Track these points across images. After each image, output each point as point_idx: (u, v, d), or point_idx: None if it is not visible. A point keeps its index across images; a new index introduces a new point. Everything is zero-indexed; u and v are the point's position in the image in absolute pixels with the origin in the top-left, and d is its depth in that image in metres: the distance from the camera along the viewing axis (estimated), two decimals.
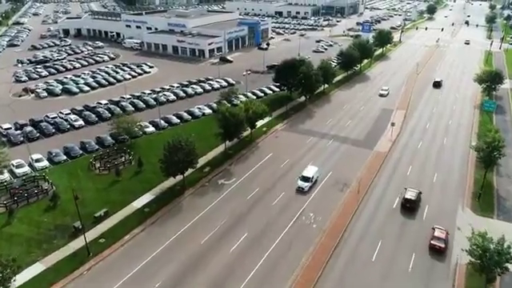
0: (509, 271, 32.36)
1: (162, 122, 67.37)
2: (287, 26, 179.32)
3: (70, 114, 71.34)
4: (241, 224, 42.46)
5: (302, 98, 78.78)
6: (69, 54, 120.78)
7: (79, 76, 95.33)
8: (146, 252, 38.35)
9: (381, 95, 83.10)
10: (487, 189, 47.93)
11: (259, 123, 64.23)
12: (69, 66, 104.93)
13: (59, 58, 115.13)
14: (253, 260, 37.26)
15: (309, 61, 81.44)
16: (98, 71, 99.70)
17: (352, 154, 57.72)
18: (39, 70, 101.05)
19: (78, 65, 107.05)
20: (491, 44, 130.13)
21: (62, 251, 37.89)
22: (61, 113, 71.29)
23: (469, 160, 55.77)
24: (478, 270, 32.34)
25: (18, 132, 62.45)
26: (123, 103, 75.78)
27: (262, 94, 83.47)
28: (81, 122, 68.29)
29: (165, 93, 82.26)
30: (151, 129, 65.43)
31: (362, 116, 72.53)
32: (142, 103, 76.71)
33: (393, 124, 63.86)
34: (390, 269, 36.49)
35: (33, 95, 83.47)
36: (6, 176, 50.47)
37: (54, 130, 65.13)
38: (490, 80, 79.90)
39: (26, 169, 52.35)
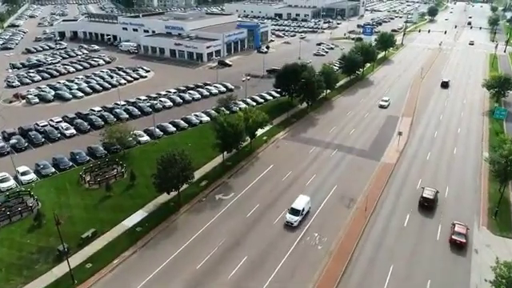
0: None
1: (157, 130, 64.16)
2: (287, 28, 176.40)
3: (61, 121, 68.21)
4: (240, 245, 39.26)
5: (304, 105, 75.69)
6: (63, 58, 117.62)
7: (73, 81, 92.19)
8: (136, 278, 35.08)
9: (381, 106, 77.08)
10: (504, 205, 44.82)
11: (259, 132, 61.17)
12: (63, 71, 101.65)
13: (53, 61, 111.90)
14: None
15: (311, 66, 78.30)
16: (92, 76, 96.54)
17: (358, 166, 54.57)
18: (32, 74, 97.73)
19: (72, 69, 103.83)
20: (496, 47, 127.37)
21: (43, 279, 34.59)
22: (51, 120, 68.12)
23: (481, 172, 52.68)
24: None
25: (2, 144, 58.86)
26: (117, 110, 72.58)
27: (262, 100, 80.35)
28: (72, 131, 65.02)
29: (161, 99, 79.09)
30: (146, 138, 62.21)
31: (367, 124, 69.44)
32: (136, 110, 73.50)
33: (400, 133, 60.75)
34: None
35: (24, 101, 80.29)
36: None
37: (43, 140, 61.88)
38: (499, 86, 76.94)
39: (11, 183, 49.10)
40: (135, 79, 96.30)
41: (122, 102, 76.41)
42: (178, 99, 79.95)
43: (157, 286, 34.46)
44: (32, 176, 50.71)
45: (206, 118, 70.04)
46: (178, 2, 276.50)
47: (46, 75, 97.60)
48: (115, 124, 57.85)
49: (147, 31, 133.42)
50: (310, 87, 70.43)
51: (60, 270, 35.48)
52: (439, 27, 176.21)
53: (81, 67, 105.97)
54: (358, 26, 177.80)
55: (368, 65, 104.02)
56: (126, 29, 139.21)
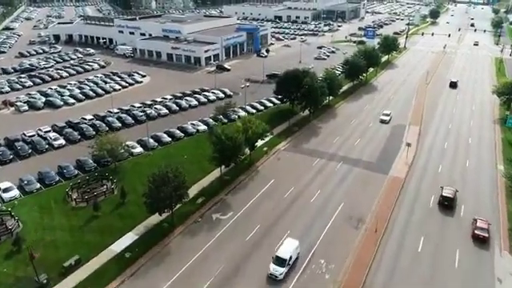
0: None
1: (151, 141, 60.56)
2: (287, 31, 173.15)
3: (50, 131, 64.56)
4: (239, 274, 35.64)
5: (306, 112, 72.16)
6: (57, 62, 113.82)
7: (65, 87, 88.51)
8: None
9: (382, 122, 69.86)
10: None
11: (259, 142, 57.53)
12: (55, 76, 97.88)
13: (46, 66, 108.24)
14: None
15: (313, 71, 74.87)
16: (85, 81, 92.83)
17: (365, 180, 51.01)
18: (23, 79, 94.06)
19: (65, 74, 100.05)
20: (502, 50, 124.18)
21: None
22: (40, 130, 64.45)
23: (498, 187, 49.23)
24: None
25: None
26: (110, 119, 68.95)
27: (262, 108, 76.76)
28: (61, 141, 61.31)
29: (156, 106, 75.52)
30: (139, 149, 58.56)
31: (373, 133, 65.92)
32: (130, 118, 69.94)
33: (408, 144, 57.22)
34: None
35: (12, 109, 76.64)
36: None
37: (30, 151, 58.27)
38: (510, 93, 73.57)
39: None
40: (130, 85, 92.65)
41: (115, 110, 72.79)
42: (174, 106, 76.37)
43: None
44: (15, 193, 47.03)
45: (203, 127, 66.45)
46: (177, 4, 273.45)
47: (37, 80, 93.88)
48: (105, 135, 54.15)
49: (144, 34, 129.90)
50: (312, 94, 66.93)
51: None
52: (441, 30, 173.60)
53: (74, 72, 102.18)
54: (360, 29, 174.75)
55: (371, 69, 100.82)
56: (122, 32, 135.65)
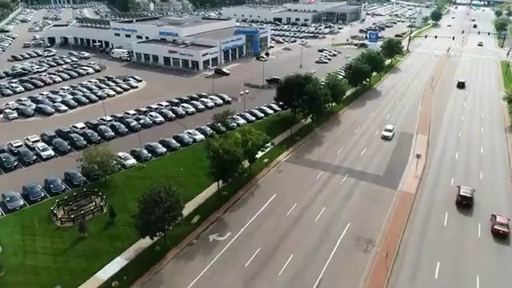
0: None
1: (145, 151, 57.23)
2: (287, 33, 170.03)
3: (38, 141, 61.14)
4: None
5: (308, 120, 68.83)
6: (51, 66, 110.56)
7: (57, 92, 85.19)
8: None
9: (384, 138, 63.80)
10: None
11: (259, 153, 54.29)
12: (48, 80, 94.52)
13: (39, 70, 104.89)
14: None
15: (315, 77, 71.61)
16: (79, 86, 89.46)
17: (372, 196, 47.64)
18: (14, 84, 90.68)
19: (58, 78, 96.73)
20: (508, 54, 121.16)
21: None
22: (27, 140, 61.09)
23: None
24: None
25: None
26: (102, 127, 65.60)
27: (262, 115, 73.33)
28: (50, 152, 57.85)
29: (151, 113, 72.18)
30: (132, 161, 55.11)
31: (379, 143, 62.51)
32: (123, 127, 66.56)
33: (418, 156, 53.82)
34: None
35: (1, 116, 73.24)
36: None
37: (16, 163, 54.81)
38: None
39: None
40: (125, 90, 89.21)
41: (108, 118, 69.41)
42: (170, 113, 72.99)
43: None
44: None
45: (200, 136, 63.08)
46: (175, 6, 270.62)
47: (29, 85, 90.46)
48: (95, 147, 50.70)
49: (140, 37, 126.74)
50: (315, 102, 63.63)
51: None
52: (443, 32, 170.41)
53: (68, 76, 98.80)
54: (361, 31, 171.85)
55: (374, 73, 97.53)
56: (118, 34, 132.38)
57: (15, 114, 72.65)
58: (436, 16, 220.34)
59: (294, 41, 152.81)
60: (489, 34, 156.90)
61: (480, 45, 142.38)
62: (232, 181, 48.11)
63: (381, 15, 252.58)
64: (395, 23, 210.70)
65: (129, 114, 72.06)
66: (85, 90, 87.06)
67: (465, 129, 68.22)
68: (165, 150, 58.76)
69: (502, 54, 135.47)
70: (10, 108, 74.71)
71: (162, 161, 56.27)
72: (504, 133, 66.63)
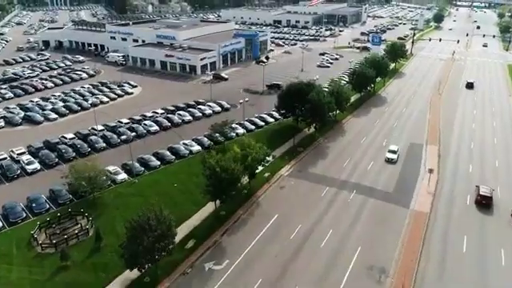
0: None
1: (137, 165, 53.43)
2: (287, 36, 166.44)
3: (24, 153, 57.27)
4: None
5: (311, 129, 65.08)
6: (43, 71, 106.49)
7: (48, 99, 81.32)
8: None
9: (389, 160, 56.11)
10: None
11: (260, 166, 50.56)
12: (39, 86, 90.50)
13: (31, 75, 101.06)
14: None
15: (319, 85, 67.92)
16: (71, 92, 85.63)
17: (383, 216, 43.85)
18: (3, 90, 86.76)
19: (50, 84, 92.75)
20: None
21: None
22: (12, 152, 57.18)
23: None
24: None
25: None
26: (93, 138, 61.79)
27: (263, 123, 69.61)
28: (35, 166, 53.88)
29: (145, 122, 68.39)
30: (123, 176, 51.21)
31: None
32: (115, 137, 62.72)
33: (430, 171, 50.07)
34: None
35: None
36: None
37: None
38: None
39: None
40: (119, 96, 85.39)
41: (100, 127, 65.58)
42: (166, 122, 69.17)
43: None
44: None
45: (196, 148, 59.29)
46: (174, 8, 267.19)
47: (19, 92, 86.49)
48: (82, 161, 46.85)
49: (137, 41, 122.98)
50: (318, 110, 59.93)
51: None
52: (446, 34, 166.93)
53: (60, 82, 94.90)
54: (362, 34, 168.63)
55: (378, 79, 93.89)
56: (114, 38, 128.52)
57: (2, 123, 68.83)
58: (438, 18, 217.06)
59: (295, 44, 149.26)
60: (494, 36, 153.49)
61: (485, 46, 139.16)
62: (230, 199, 44.31)
63: (382, 17, 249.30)
64: (397, 25, 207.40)
65: (122, 122, 68.30)
66: (77, 96, 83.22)
67: (477, 139, 64.45)
68: (158, 163, 54.86)
69: (508, 57, 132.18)
70: None
71: (155, 175, 52.42)
72: None
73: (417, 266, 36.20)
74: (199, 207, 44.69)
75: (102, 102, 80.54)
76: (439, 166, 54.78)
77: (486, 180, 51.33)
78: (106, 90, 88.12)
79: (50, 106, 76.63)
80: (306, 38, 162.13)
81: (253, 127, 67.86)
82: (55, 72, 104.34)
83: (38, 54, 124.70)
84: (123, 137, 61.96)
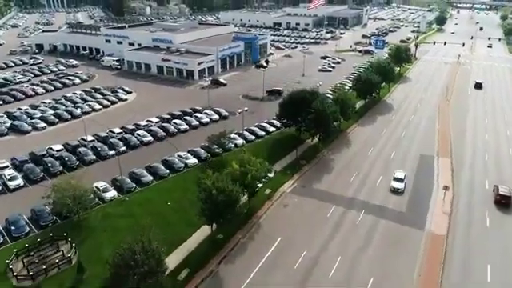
0: None
1: (129, 181, 49.52)
2: (287, 39, 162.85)
3: (7, 167, 53.31)
4: None
5: (315, 139, 61.24)
6: (35, 75, 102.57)
7: (37, 106, 77.38)
8: None
9: (394, 190, 48.20)
10: None
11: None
12: (29, 92, 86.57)
13: (22, 80, 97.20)
14: None
15: (323, 94, 64.17)
16: (62, 99, 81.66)
17: (396, 240, 39.99)
18: None
19: (41, 90, 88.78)
20: None
21: None
22: None
23: None
24: None
25: None
26: (82, 149, 57.88)
27: (263, 133, 65.72)
28: (19, 181, 49.79)
29: (139, 132, 64.50)
30: (112, 193, 47.23)
31: (396, 167, 54.46)
32: (106, 149, 58.82)
33: (446, 188, 46.22)
34: None
35: None
36: None
37: None
38: None
39: None
40: (113, 103, 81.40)
41: (90, 138, 61.65)
42: (161, 132, 65.33)
43: None
44: None
45: (192, 161, 55.35)
46: (172, 10, 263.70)
47: (8, 98, 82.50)
48: (66, 178, 42.92)
49: (133, 44, 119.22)
50: (323, 121, 56.11)
51: None
52: (449, 37, 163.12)
53: (52, 88, 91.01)
54: (364, 37, 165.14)
55: (383, 84, 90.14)
56: (109, 41, 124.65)
57: None
58: (440, 20, 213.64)
59: (295, 47, 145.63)
60: (500, 39, 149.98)
61: (489, 46, 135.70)
62: (228, 222, 40.25)
63: (383, 19, 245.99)
64: (398, 28, 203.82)
65: (114, 132, 64.37)
66: (68, 103, 79.25)
67: (491, 150, 60.60)
68: (151, 178, 50.90)
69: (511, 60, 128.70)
70: None
71: (147, 192, 48.48)
72: None
73: None
74: (194, 229, 40.77)
75: (93, 110, 76.63)
76: (453, 181, 50.86)
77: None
78: (98, 96, 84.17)
79: (38, 114, 72.68)
80: (307, 40, 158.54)
81: (252, 137, 63.97)
82: (47, 77, 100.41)
83: (31, 58, 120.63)
84: (111, 152, 57.22)
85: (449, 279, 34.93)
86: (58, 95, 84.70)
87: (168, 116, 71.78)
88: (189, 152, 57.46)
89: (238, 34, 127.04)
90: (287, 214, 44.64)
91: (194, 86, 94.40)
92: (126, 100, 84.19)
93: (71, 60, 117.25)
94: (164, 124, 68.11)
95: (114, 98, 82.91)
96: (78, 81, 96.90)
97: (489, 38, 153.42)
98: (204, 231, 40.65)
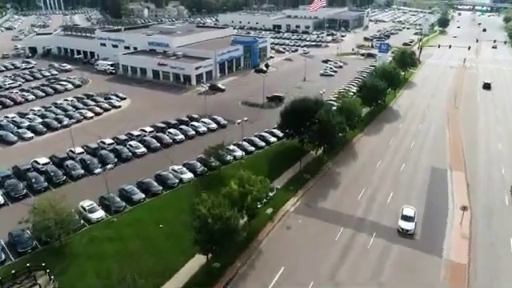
0: None
1: (118, 199, 45.52)
2: (287, 41, 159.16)
3: None
4: None
5: (319, 151, 57.36)
6: (27, 80, 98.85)
7: (26, 114, 73.49)
8: None
9: (403, 232, 40.63)
10: None
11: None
12: (19, 99, 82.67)
13: (12, 85, 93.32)
14: None
15: (328, 102, 60.37)
16: (52, 106, 77.70)
17: (411, 268, 35.99)
18: None
19: (31, 96, 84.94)
20: None
21: None
22: None
23: None
24: None
25: None
26: (69, 163, 53.93)
27: (263, 144, 61.85)
28: None
29: (131, 143, 60.57)
30: (99, 214, 43.24)
31: (407, 183, 50.69)
32: (96, 162, 54.86)
33: (464, 208, 42.24)
34: None
35: None
36: None
37: None
38: None
39: None
40: (106, 110, 77.45)
41: (79, 150, 57.63)
42: (155, 142, 61.41)
43: None
44: None
45: (188, 176, 51.29)
46: (170, 12, 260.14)
47: None
48: (47, 199, 38.87)
49: (128, 48, 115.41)
50: (328, 132, 52.24)
51: None
52: (452, 40, 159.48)
53: (43, 94, 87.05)
54: (366, 39, 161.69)
55: (388, 89, 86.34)
56: (104, 44, 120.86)
57: None
58: (443, 22, 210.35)
59: (296, 50, 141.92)
60: (505, 42, 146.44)
61: (494, 47, 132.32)
62: (225, 252, 36.25)
63: (384, 21, 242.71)
64: (400, 30, 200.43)
65: (104, 143, 60.41)
66: (59, 111, 75.31)
67: (507, 163, 56.53)
68: (143, 196, 46.84)
69: None
70: None
71: (138, 211, 44.50)
72: None
73: None
74: (188, 257, 36.76)
75: (85, 118, 72.70)
76: (469, 199, 47.01)
77: None
78: (91, 103, 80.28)
79: (26, 123, 68.73)
80: (308, 43, 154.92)
81: (252, 148, 60.02)
82: (40, 82, 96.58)
83: (23, 62, 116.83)
84: (97, 171, 50.12)
85: None
86: (49, 102, 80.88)
87: (163, 125, 67.85)
88: (184, 165, 53.49)
89: (237, 38, 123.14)
90: (291, 237, 40.65)
91: (192, 92, 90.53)
92: (119, 107, 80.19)
93: (64, 64, 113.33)
94: (158, 134, 64.25)
95: (107, 105, 78.94)
96: (70, 86, 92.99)
97: (494, 41, 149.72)
98: (199, 259, 36.52)
